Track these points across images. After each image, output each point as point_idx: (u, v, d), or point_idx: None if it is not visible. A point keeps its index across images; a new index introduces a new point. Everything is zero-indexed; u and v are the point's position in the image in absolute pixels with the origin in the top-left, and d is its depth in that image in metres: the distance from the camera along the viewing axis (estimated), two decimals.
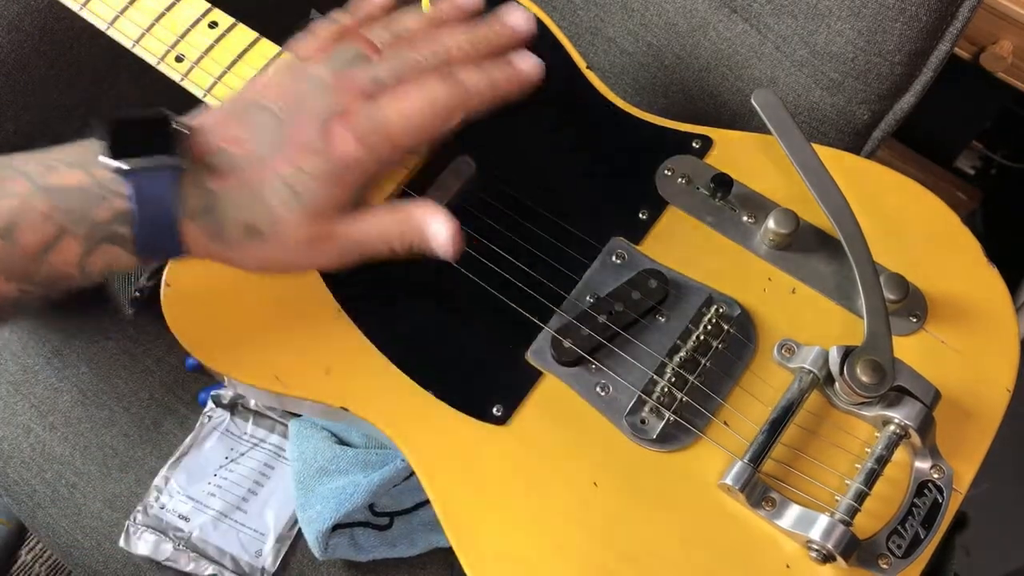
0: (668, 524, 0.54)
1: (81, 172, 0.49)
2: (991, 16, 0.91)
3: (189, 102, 0.65)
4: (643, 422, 0.56)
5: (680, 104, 0.81)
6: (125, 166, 0.48)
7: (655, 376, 0.57)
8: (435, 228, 0.53)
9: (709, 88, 0.78)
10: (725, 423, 0.56)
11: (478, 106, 0.55)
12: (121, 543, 0.74)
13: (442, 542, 0.73)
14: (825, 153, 0.62)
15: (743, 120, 0.78)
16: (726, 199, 0.62)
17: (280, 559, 0.73)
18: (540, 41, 0.67)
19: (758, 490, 0.54)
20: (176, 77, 0.64)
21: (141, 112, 0.50)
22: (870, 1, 0.65)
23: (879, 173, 0.64)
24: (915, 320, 0.59)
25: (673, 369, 0.57)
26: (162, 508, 0.74)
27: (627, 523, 0.54)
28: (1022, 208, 1.30)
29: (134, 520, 0.74)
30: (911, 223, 0.62)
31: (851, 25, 0.67)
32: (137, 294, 0.78)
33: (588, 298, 0.59)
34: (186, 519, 0.74)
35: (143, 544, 0.73)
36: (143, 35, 0.65)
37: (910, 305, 0.58)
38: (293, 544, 0.73)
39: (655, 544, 0.54)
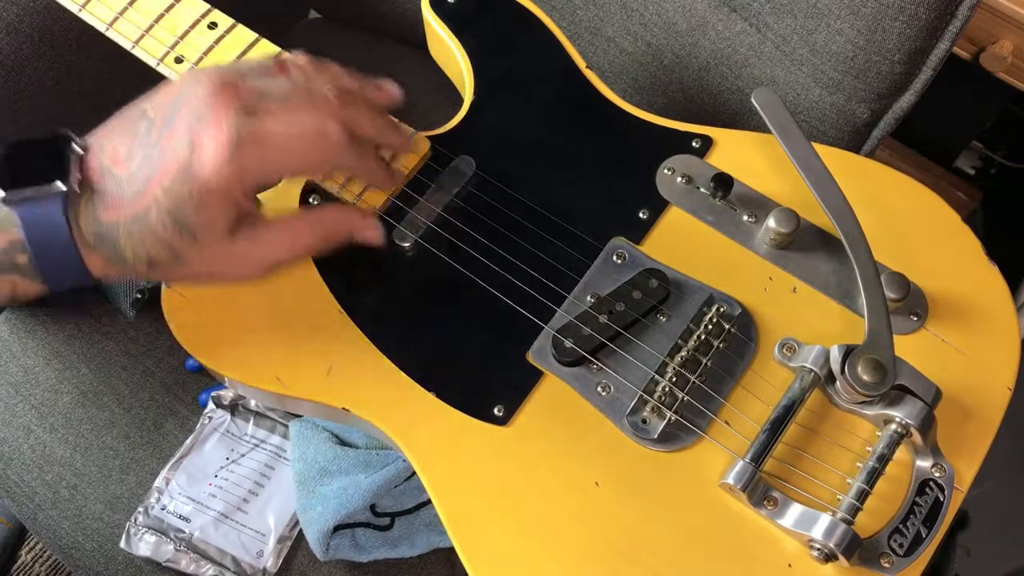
0: (670, 524, 0.54)
1: None
2: (991, 16, 0.91)
3: None
4: (644, 422, 0.56)
5: (680, 103, 0.81)
6: (8, 197, 0.47)
7: (656, 376, 0.57)
8: (352, 227, 0.55)
9: (709, 87, 0.78)
10: (726, 422, 0.56)
11: (356, 162, 0.55)
12: (122, 544, 0.74)
13: (443, 542, 0.73)
14: (825, 152, 0.62)
15: (743, 119, 0.78)
16: (726, 198, 0.62)
17: (281, 560, 0.73)
18: (540, 41, 0.67)
19: (760, 489, 0.54)
20: (175, 78, 0.64)
21: (39, 134, 0.49)
22: (869, 0, 0.65)
23: (879, 172, 0.64)
24: (916, 319, 0.59)
25: (674, 369, 0.57)
26: (163, 509, 0.74)
27: (629, 523, 0.54)
28: (1022, 208, 1.30)
29: (135, 521, 0.74)
30: (912, 222, 0.62)
31: (850, 24, 0.67)
32: (138, 295, 0.78)
33: (589, 298, 0.59)
34: (187, 520, 0.74)
35: (144, 545, 0.73)
36: (142, 36, 0.65)
37: (911, 304, 0.58)
38: (294, 545, 0.73)
39: (657, 544, 0.54)
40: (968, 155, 1.30)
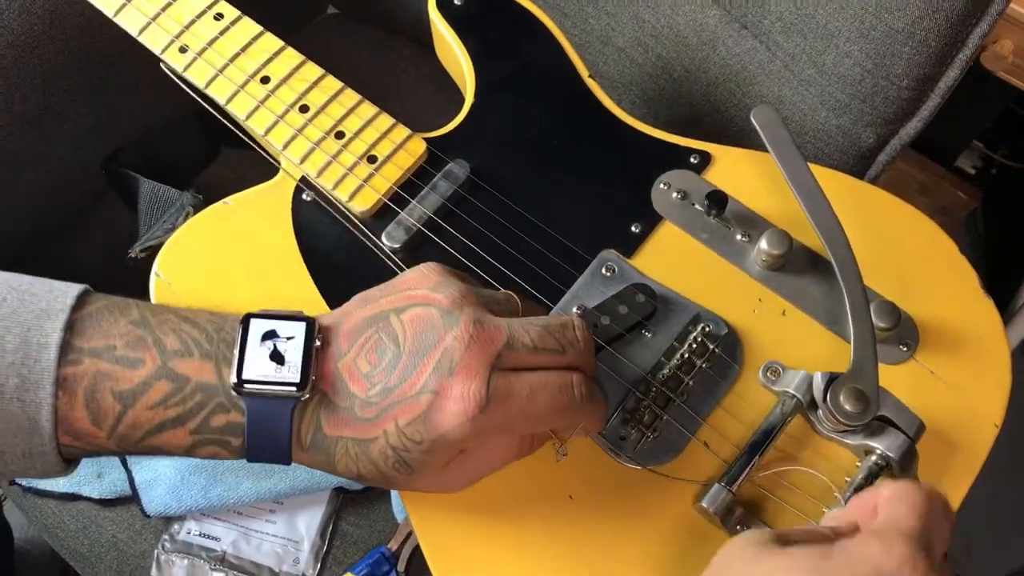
0: (641, 543, 0.53)
1: (211, 368, 0.47)
2: None
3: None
4: (622, 438, 0.55)
5: (686, 118, 0.80)
6: (240, 385, 0.46)
7: (637, 393, 0.56)
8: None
9: (716, 103, 0.77)
10: (705, 444, 0.55)
11: (593, 411, 0.51)
12: (153, 573, 0.73)
13: None
14: (825, 175, 0.61)
15: (749, 137, 0.77)
16: (721, 216, 0.61)
17: (320, 562, 0.73)
18: (543, 47, 0.67)
19: (734, 514, 0.53)
20: (178, 68, 0.64)
21: (286, 311, 0.49)
22: (879, 24, 0.64)
23: (879, 198, 0.63)
24: (905, 349, 0.58)
25: (656, 386, 0.56)
26: (188, 533, 0.74)
27: (600, 539, 0.53)
28: (1022, 208, 1.29)
29: (163, 548, 0.74)
30: (907, 250, 0.61)
31: (859, 47, 0.66)
32: (142, 253, 0.80)
33: (575, 309, 0.59)
34: (215, 539, 0.73)
35: (178, 570, 0.73)
36: (148, 24, 0.65)
37: (901, 333, 0.58)
38: (329, 547, 0.74)
39: (627, 563, 0.53)
40: (968, 155, 1.30)
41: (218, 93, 0.63)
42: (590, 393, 0.49)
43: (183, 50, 0.64)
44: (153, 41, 0.65)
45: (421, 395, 0.46)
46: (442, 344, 0.46)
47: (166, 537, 0.74)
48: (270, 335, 0.47)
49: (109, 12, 0.66)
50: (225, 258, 0.60)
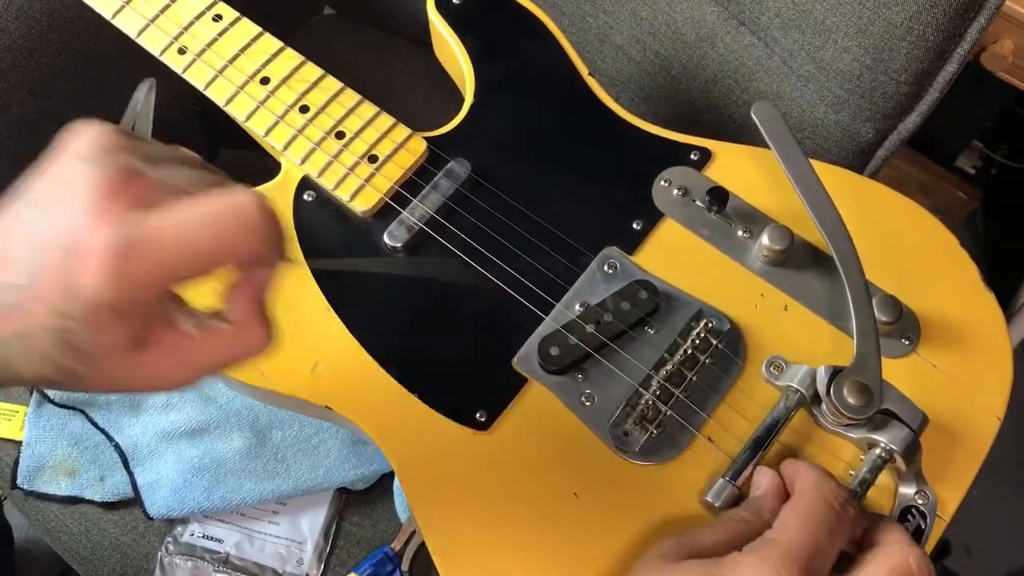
0: (647, 538, 0.53)
1: None
2: None
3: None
4: (626, 434, 0.55)
5: (685, 115, 0.80)
6: None
7: (641, 389, 0.56)
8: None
9: (715, 100, 0.78)
10: (709, 439, 0.56)
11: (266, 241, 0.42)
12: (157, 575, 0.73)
13: None
14: (825, 170, 0.61)
15: (748, 133, 0.77)
16: (722, 212, 0.61)
17: (323, 562, 0.73)
18: (542, 46, 0.67)
19: None
20: (178, 70, 0.64)
21: None
22: (877, 19, 0.64)
23: (879, 192, 0.63)
24: (907, 343, 0.58)
25: (659, 382, 0.56)
26: (191, 535, 0.74)
27: (606, 535, 0.53)
28: (1022, 208, 1.29)
29: (166, 550, 0.74)
30: (909, 244, 0.61)
31: (858, 42, 0.66)
32: None
33: (577, 307, 0.59)
34: (219, 540, 0.73)
35: (182, 572, 0.73)
36: (147, 26, 0.65)
37: (903, 327, 0.58)
38: (332, 547, 0.74)
39: (633, 558, 0.53)
40: (968, 155, 1.30)
41: (217, 95, 0.63)
42: (264, 208, 0.40)
43: (182, 51, 0.64)
44: (152, 43, 0.65)
45: (57, 259, 0.38)
46: (79, 195, 0.38)
47: (169, 539, 0.74)
48: None
49: (107, 14, 0.66)
50: None
